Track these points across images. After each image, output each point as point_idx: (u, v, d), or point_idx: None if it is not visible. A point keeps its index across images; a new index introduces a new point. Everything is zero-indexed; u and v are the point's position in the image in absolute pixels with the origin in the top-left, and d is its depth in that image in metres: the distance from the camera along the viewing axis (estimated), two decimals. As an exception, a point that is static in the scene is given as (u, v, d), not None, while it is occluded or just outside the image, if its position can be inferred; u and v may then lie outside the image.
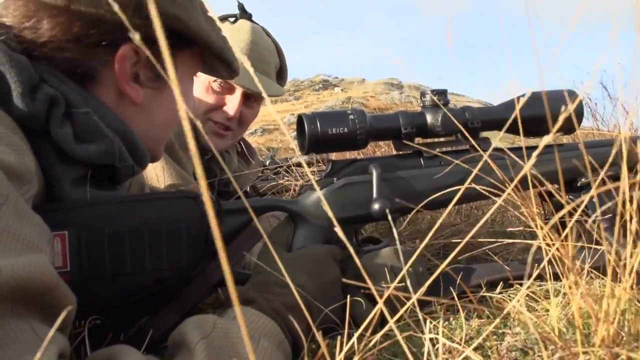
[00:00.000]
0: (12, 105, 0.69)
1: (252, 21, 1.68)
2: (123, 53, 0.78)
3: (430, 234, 0.57)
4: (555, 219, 0.53)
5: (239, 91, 1.59)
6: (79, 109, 0.76)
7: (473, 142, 0.83)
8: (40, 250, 0.58)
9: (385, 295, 0.51)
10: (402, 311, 0.53)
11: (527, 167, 0.47)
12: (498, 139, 0.69)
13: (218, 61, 0.92)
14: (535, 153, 0.47)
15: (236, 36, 1.62)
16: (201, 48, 0.89)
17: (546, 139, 0.48)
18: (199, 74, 1.01)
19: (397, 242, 0.62)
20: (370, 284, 0.51)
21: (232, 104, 1.62)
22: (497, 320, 0.64)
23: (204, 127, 1.63)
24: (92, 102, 0.78)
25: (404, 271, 0.56)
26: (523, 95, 1.03)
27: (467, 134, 0.93)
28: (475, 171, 0.53)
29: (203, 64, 0.95)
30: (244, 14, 1.68)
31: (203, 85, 1.59)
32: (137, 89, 0.83)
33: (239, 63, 0.97)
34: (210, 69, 0.97)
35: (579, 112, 1.08)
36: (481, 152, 0.75)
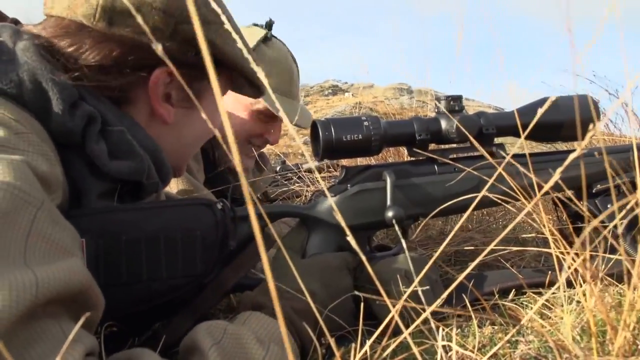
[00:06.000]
0: (51, 120, 0.70)
1: (273, 36, 1.69)
2: (157, 76, 0.81)
3: (444, 245, 0.57)
4: (583, 236, 0.53)
5: (279, 121, 1.68)
6: (114, 126, 0.77)
7: (485, 154, 0.83)
8: (74, 254, 0.58)
9: (398, 306, 0.51)
10: (416, 323, 0.53)
11: (553, 180, 0.47)
12: (517, 146, 0.69)
13: (247, 83, 0.95)
14: (559, 170, 0.47)
15: (282, 65, 1.67)
16: (230, 69, 0.91)
17: (574, 155, 0.48)
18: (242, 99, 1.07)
19: (406, 251, 0.62)
20: (383, 293, 0.51)
21: (276, 134, 1.72)
22: (513, 330, 0.64)
23: (241, 148, 1.71)
24: (126, 121, 0.80)
25: (417, 280, 0.56)
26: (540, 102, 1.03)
27: (479, 146, 0.92)
28: (491, 180, 0.53)
29: (232, 83, 0.98)
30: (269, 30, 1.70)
31: (247, 110, 1.64)
32: (169, 109, 0.85)
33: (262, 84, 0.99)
34: (237, 88, 1.00)
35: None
36: (494, 163, 0.75)
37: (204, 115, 0.31)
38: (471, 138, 0.94)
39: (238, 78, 0.95)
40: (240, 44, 0.46)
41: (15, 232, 0.52)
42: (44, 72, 0.71)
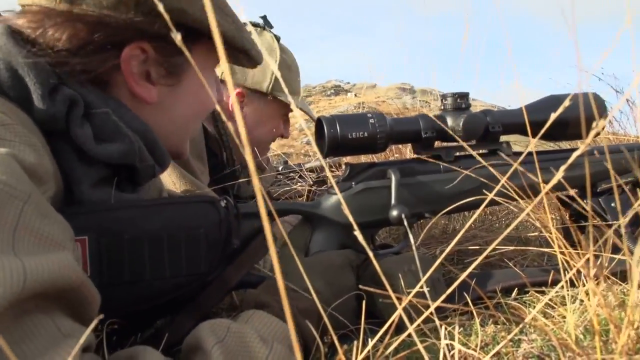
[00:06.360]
0: (33, 107, 0.69)
1: (271, 32, 1.74)
2: (128, 53, 0.77)
3: (450, 246, 0.57)
4: (609, 237, 0.53)
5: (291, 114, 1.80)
6: (97, 109, 0.75)
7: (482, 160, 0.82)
8: (64, 247, 0.57)
9: (405, 301, 0.51)
10: (420, 319, 0.53)
11: (555, 179, 0.47)
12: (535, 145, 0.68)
13: (235, 50, 0.90)
14: (562, 168, 0.47)
15: (295, 66, 1.79)
16: (212, 38, 0.87)
17: (577, 152, 0.48)
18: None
19: (414, 249, 0.62)
20: (389, 289, 0.51)
21: (288, 128, 1.84)
22: (517, 329, 0.64)
23: (267, 148, 1.87)
24: (111, 103, 0.77)
25: (424, 279, 0.56)
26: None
27: (477, 155, 0.92)
28: (503, 181, 0.53)
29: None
30: (268, 25, 1.72)
31: (279, 115, 1.76)
32: (149, 87, 0.82)
33: (258, 49, 0.95)
34: (232, 59, 0.95)
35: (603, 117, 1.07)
36: (487, 165, 0.75)
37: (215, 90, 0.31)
38: (472, 142, 0.93)
39: (227, 48, 0.89)
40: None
41: (2, 226, 0.51)
42: (17, 58, 0.69)
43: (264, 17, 1.72)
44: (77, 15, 0.74)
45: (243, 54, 0.92)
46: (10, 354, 0.34)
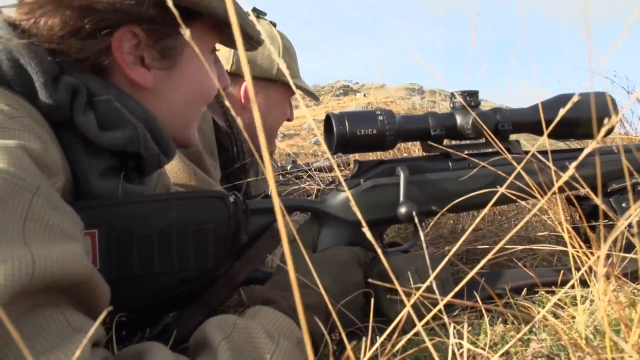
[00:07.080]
0: (37, 98, 0.69)
1: (267, 20, 1.76)
2: (118, 37, 0.77)
3: (459, 244, 0.56)
4: (613, 236, 0.52)
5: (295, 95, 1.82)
6: (100, 96, 0.75)
7: (503, 150, 0.82)
8: (74, 239, 0.58)
9: (414, 299, 0.50)
10: (429, 316, 0.53)
11: (567, 175, 0.47)
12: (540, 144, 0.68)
13: (228, 27, 0.87)
14: (573, 165, 0.47)
15: (293, 49, 1.80)
16: (213, 19, 0.85)
17: (589, 149, 0.47)
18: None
19: (424, 245, 0.62)
20: (397, 285, 0.51)
21: (292, 111, 1.86)
22: (526, 329, 0.64)
23: (276, 133, 1.89)
24: (112, 90, 0.77)
25: (432, 276, 0.55)
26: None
27: (498, 144, 0.91)
28: (510, 178, 0.52)
29: (219, 35, 0.92)
30: (261, 13, 1.74)
31: (286, 100, 1.79)
32: (144, 72, 0.81)
33: (254, 26, 0.94)
34: (228, 38, 0.94)
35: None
36: (511, 160, 0.75)
37: (209, 71, 0.30)
38: (489, 133, 0.93)
39: (225, 28, 0.89)
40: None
41: (12, 217, 0.51)
42: (19, 48, 0.70)
43: (255, 9, 1.73)
44: (65, 1, 0.74)
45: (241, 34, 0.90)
46: (23, 347, 0.34)
